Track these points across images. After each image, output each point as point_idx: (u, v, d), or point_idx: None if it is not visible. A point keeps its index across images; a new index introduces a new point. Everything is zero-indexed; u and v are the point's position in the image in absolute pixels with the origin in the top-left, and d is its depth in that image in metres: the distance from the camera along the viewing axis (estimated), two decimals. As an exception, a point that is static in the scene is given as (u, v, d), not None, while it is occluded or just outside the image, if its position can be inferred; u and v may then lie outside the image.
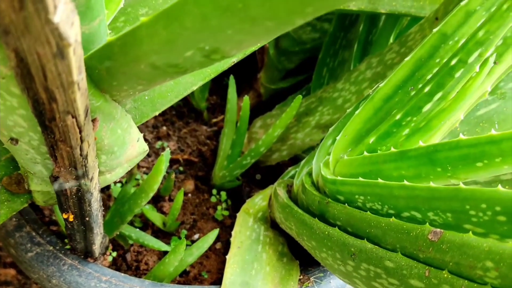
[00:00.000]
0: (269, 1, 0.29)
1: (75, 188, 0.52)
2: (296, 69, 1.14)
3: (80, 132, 0.42)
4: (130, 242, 0.86)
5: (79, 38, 0.33)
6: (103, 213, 0.65)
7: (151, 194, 0.72)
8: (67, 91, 0.35)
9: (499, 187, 0.43)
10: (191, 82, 0.61)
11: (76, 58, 0.33)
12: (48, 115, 0.39)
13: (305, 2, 0.28)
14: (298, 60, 1.10)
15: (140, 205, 0.73)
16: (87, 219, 0.60)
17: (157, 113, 0.61)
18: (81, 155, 0.45)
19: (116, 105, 0.48)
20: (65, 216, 0.59)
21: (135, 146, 0.55)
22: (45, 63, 0.33)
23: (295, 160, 1.04)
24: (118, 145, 0.52)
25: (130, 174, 0.84)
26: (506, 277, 0.41)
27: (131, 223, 0.91)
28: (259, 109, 1.13)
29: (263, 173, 1.06)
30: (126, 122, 0.51)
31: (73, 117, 0.39)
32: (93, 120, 0.46)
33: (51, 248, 0.74)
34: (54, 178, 0.52)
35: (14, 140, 0.46)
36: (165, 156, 0.70)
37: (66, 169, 0.48)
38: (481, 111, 0.68)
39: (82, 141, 0.43)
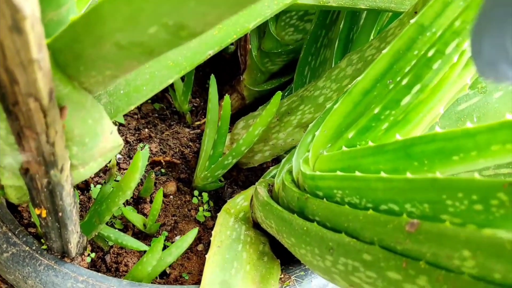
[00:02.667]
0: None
1: (45, 180, 0.51)
2: (280, 71, 1.13)
3: (45, 116, 0.40)
4: (110, 243, 0.84)
5: (37, 13, 0.32)
6: (81, 212, 0.64)
7: (129, 192, 0.71)
8: (27, 70, 0.34)
9: (475, 174, 0.42)
10: (167, 75, 0.60)
11: (35, 35, 0.32)
12: (11, 98, 0.38)
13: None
14: (281, 62, 1.09)
15: (117, 203, 0.72)
16: (60, 214, 0.59)
17: (132, 107, 0.60)
18: (47, 142, 0.44)
19: (86, 94, 0.47)
20: (37, 211, 0.58)
21: (108, 139, 0.54)
22: (3, 39, 0.32)
23: (278, 161, 1.03)
24: (89, 136, 0.51)
25: (109, 175, 0.82)
26: (483, 266, 0.40)
27: (112, 225, 0.90)
28: (243, 112, 1.12)
29: (246, 175, 1.05)
30: (98, 112, 0.50)
31: (36, 100, 0.38)
32: (62, 108, 0.44)
33: (27, 248, 0.73)
34: (24, 171, 0.51)
35: (-19, 130, 0.45)
36: (143, 153, 0.69)
37: (34, 158, 0.46)
38: (461, 106, 0.68)
39: (48, 126, 0.42)
